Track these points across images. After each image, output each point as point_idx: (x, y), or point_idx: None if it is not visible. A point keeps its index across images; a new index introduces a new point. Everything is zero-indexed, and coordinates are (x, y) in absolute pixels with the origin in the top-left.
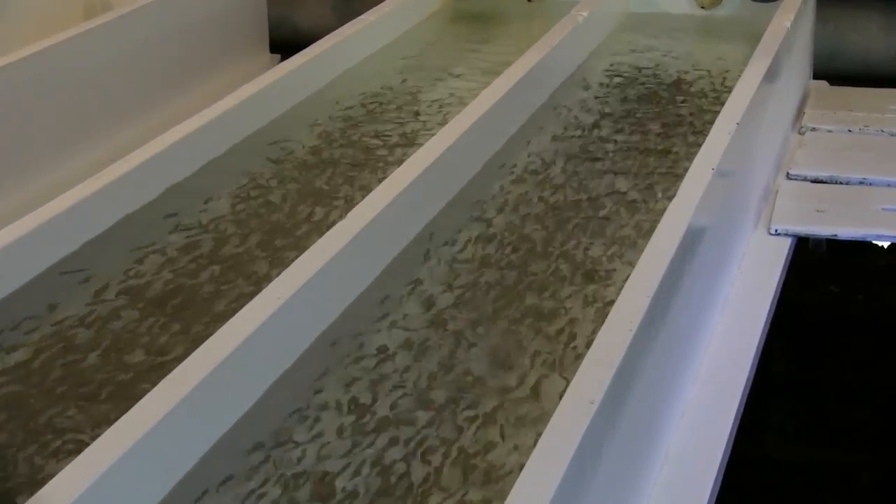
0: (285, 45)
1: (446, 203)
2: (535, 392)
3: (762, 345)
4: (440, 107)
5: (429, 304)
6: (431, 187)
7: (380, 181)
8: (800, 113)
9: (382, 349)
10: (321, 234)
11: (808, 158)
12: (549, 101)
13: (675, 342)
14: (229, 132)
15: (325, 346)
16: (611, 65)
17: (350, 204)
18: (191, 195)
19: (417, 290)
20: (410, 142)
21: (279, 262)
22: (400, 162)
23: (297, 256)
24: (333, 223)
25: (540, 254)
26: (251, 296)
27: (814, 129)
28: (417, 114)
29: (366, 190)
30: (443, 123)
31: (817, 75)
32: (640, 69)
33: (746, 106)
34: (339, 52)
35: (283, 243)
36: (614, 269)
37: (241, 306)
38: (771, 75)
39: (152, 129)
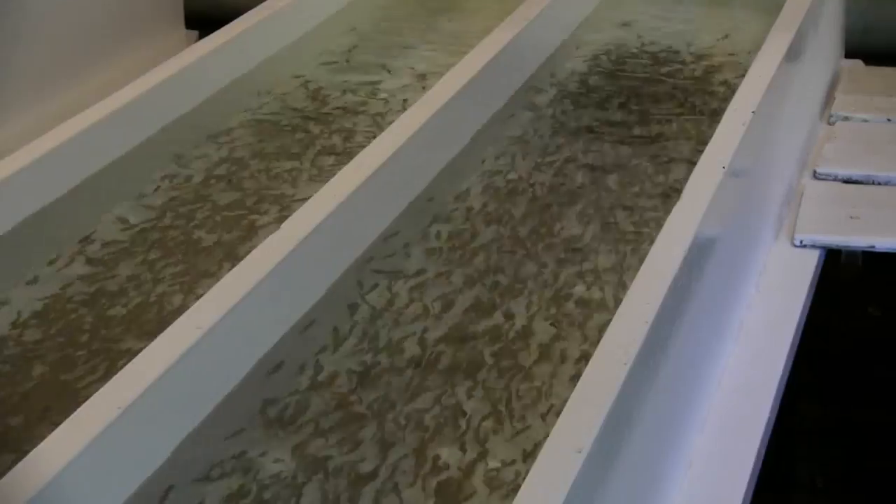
0: (204, 19)
1: (393, 218)
2: None
3: (785, 381)
4: (393, 94)
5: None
6: (377, 198)
7: (319, 188)
8: (829, 99)
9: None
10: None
11: (839, 154)
12: (523, 88)
13: (680, 378)
14: (136, 126)
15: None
16: (600, 43)
17: (272, 225)
18: (83, 212)
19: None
20: (357, 140)
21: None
22: (344, 163)
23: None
24: (248, 249)
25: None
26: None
27: (846, 119)
28: (365, 103)
29: (297, 200)
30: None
31: (850, 53)
32: (635, 49)
33: (764, 91)
34: (270, 27)
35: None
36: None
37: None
38: (793, 53)
39: (45, 119)
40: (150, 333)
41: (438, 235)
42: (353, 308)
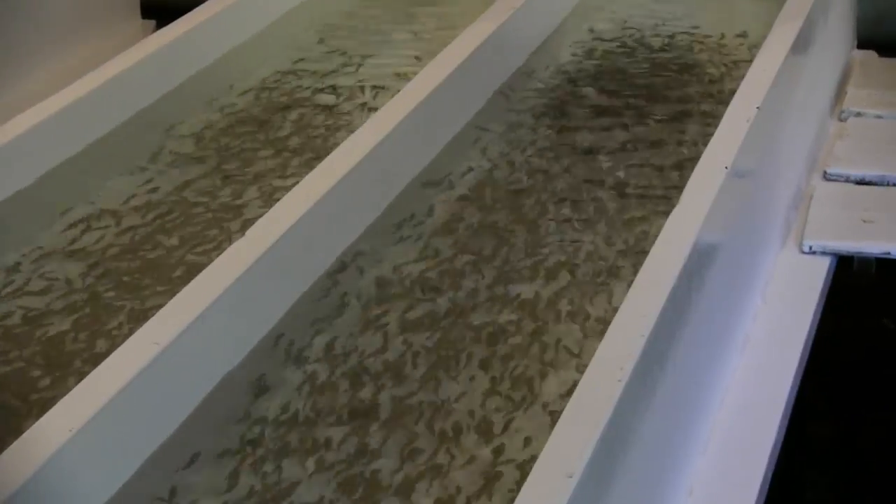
0: (161, 8)
1: (366, 227)
2: None
3: (794, 398)
4: (366, 88)
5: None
6: (346, 206)
7: (284, 193)
8: (840, 93)
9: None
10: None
11: (850, 153)
12: (507, 84)
13: (680, 396)
14: (86, 124)
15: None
16: (591, 32)
17: (234, 235)
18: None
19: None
20: (327, 136)
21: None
22: (311, 167)
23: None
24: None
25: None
26: None
27: (858, 115)
28: (337, 97)
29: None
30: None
31: (862, 44)
32: (632, 39)
33: (769, 85)
34: (235, 15)
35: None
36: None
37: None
38: (801, 44)
39: None
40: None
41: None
42: (320, 322)
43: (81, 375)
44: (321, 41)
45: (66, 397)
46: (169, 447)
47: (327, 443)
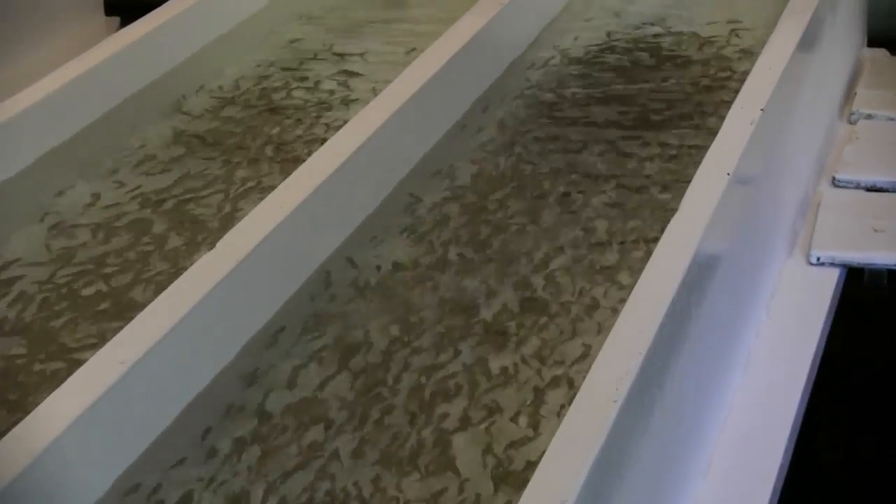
0: (125, 4)
1: (335, 247)
2: None
3: (801, 420)
4: (344, 91)
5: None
6: (317, 222)
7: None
8: (850, 94)
9: None
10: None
11: (861, 157)
12: (494, 88)
13: (679, 418)
14: (47, 128)
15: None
16: (585, 32)
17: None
18: None
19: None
20: (303, 139)
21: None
22: (289, 171)
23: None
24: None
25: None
26: None
27: (869, 117)
28: (312, 98)
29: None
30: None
31: (873, 41)
32: (632, 38)
33: (774, 86)
34: (203, 13)
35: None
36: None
37: None
38: (808, 42)
39: None
40: None
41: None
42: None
43: None
44: (294, 41)
45: (27, 419)
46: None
47: None
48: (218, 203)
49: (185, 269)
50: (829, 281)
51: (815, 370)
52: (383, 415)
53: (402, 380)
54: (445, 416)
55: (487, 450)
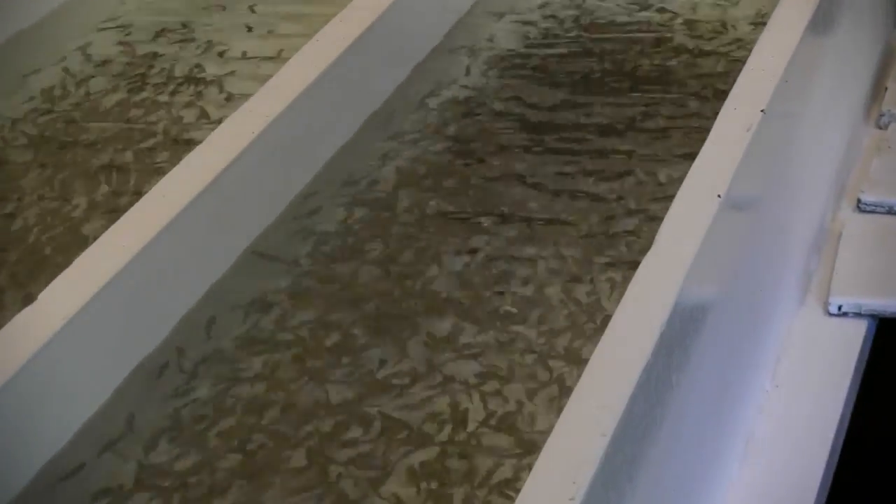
0: None
1: (222, 274)
2: None
3: None
4: (215, 82)
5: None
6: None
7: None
8: (878, 89)
9: None
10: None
11: (893, 172)
12: (412, 76)
13: None
14: None
15: None
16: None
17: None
18: None
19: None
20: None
21: None
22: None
23: None
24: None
25: None
26: None
27: None
28: (170, 84)
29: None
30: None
31: None
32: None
33: (778, 80)
34: None
35: None
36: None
37: None
38: (821, 22)
39: None
40: None
41: None
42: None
43: None
44: (130, 26)
45: None
46: None
47: None
48: None
49: None
50: (855, 336)
51: (836, 457)
52: None
53: None
54: None
55: None
